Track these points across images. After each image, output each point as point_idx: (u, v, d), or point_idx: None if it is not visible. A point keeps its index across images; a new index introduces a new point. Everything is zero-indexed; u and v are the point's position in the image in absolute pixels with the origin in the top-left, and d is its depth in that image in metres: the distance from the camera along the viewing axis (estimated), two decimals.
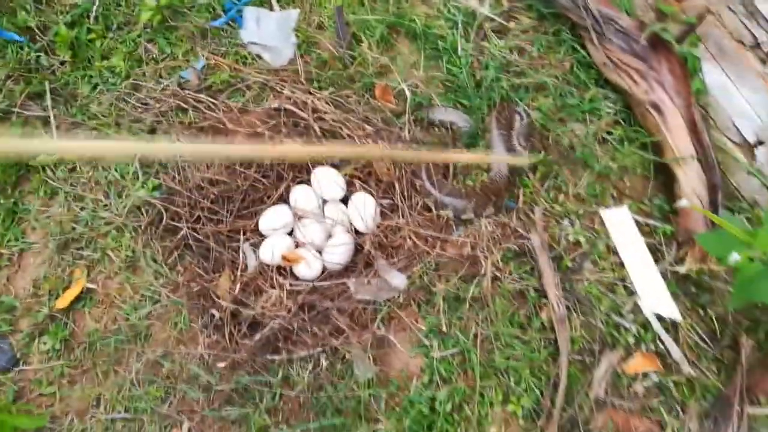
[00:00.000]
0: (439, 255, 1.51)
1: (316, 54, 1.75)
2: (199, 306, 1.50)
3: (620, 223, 1.55)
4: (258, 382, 1.44)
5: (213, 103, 1.69)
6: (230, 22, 1.79)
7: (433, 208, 1.56)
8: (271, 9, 1.81)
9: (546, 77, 1.66)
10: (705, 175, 1.51)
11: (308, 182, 1.61)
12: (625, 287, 1.50)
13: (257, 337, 1.45)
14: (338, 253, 1.52)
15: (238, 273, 1.53)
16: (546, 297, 1.46)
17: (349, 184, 1.61)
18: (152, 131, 1.69)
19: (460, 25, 1.71)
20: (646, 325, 1.46)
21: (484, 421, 1.40)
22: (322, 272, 1.53)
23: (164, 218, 1.57)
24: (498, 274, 1.50)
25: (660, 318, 1.46)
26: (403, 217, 1.55)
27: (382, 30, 1.72)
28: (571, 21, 1.68)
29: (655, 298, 1.47)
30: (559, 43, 1.71)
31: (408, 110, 1.63)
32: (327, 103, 1.66)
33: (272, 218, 1.56)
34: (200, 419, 1.44)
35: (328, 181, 1.58)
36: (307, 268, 1.52)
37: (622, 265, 1.52)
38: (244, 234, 1.58)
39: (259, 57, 1.76)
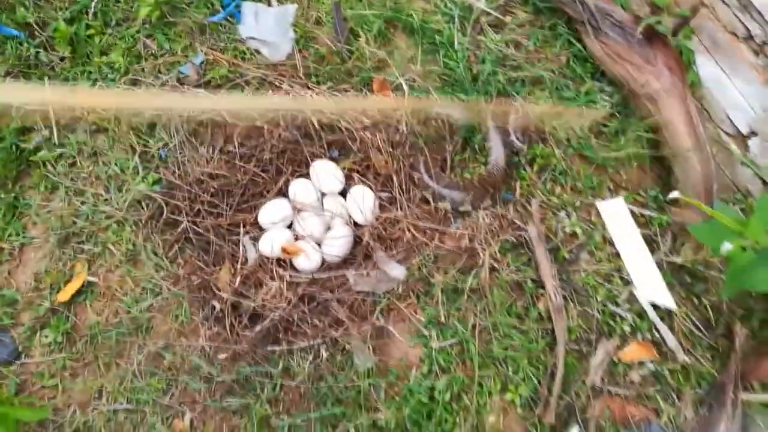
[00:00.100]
0: (438, 247, 1.53)
1: (314, 49, 1.76)
2: (200, 298, 1.52)
3: (616, 215, 1.57)
4: (259, 372, 1.45)
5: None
6: (229, 18, 1.80)
7: (431, 201, 1.58)
8: (269, 4, 1.82)
9: (542, 71, 1.67)
10: (700, 166, 1.53)
11: (307, 176, 1.63)
12: (621, 277, 1.52)
13: (258, 328, 1.46)
14: (337, 245, 1.53)
15: (239, 266, 1.54)
16: (543, 287, 1.48)
17: (348, 178, 1.62)
18: (152, 126, 1.70)
19: (456, 19, 1.72)
20: (641, 315, 1.48)
21: (482, 410, 1.41)
22: (322, 264, 1.55)
23: (165, 212, 1.58)
24: (496, 265, 1.51)
25: (655, 307, 1.48)
26: (401, 209, 1.57)
27: (380, 25, 1.73)
28: (567, 15, 1.69)
29: (651, 287, 1.49)
30: (555, 36, 1.72)
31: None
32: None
33: (272, 211, 1.58)
34: (202, 410, 1.46)
35: (326, 174, 1.59)
36: (307, 261, 1.53)
37: (618, 255, 1.54)
38: (244, 227, 1.60)
39: (258, 52, 1.77)
